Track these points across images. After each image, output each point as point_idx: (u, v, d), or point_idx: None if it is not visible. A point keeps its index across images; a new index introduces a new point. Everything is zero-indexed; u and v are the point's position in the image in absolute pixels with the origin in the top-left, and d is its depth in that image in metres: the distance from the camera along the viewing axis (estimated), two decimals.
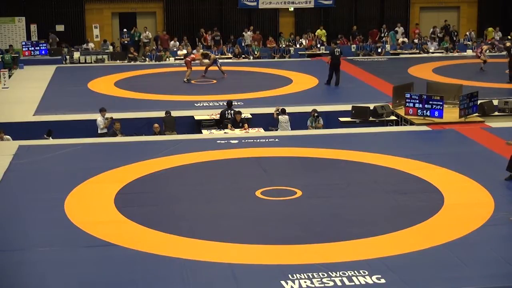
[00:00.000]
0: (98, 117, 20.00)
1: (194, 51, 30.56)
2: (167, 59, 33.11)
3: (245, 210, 13.61)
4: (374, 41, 36.17)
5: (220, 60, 29.64)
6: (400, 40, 36.30)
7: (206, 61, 28.35)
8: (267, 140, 18.55)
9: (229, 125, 20.09)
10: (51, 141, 18.98)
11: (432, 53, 35.00)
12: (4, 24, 35.65)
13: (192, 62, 27.77)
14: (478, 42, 35.72)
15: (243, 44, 35.29)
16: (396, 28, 37.07)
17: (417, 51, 35.32)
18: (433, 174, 15.41)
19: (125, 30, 35.87)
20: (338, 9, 38.40)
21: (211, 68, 28.35)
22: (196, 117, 21.53)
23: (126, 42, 35.26)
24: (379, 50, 34.88)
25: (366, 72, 29.38)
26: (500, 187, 14.56)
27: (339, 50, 26.92)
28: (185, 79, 27.25)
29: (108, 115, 20.12)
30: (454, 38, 36.84)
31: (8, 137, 19.15)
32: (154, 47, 34.37)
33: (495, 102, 21.96)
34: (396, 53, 35.19)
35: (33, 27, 35.60)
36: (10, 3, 35.61)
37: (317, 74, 28.06)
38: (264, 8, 37.77)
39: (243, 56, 34.17)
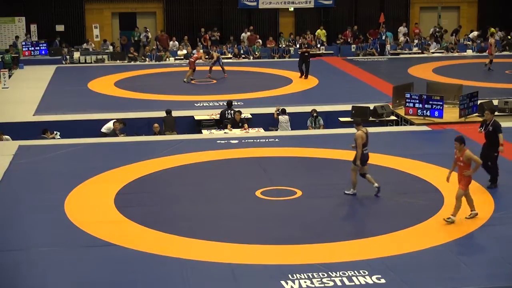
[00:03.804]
0: (110, 124, 19.73)
1: (194, 51, 30.56)
2: (167, 59, 33.12)
3: (245, 210, 13.61)
4: (374, 37, 36.10)
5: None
6: (402, 38, 36.30)
7: (208, 57, 28.40)
8: (267, 140, 18.56)
9: (228, 125, 20.09)
10: (51, 141, 18.97)
11: (433, 53, 34.99)
12: (4, 24, 35.65)
13: (196, 62, 27.75)
14: (478, 42, 35.71)
15: (241, 45, 35.33)
16: (400, 27, 37.05)
17: (419, 51, 35.29)
18: (433, 174, 15.41)
19: (147, 29, 35.85)
20: (338, 9, 38.40)
21: (214, 68, 28.35)
22: (196, 117, 21.54)
23: (144, 41, 35.19)
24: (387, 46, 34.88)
25: (366, 72, 29.38)
26: (500, 187, 14.56)
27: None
28: (185, 79, 27.24)
29: (110, 116, 20.05)
30: (458, 38, 36.96)
31: (8, 137, 19.16)
32: (154, 47, 34.37)
33: (495, 102, 21.96)
34: (396, 53, 35.18)
35: (33, 27, 35.58)
36: (10, 3, 35.60)
37: (317, 74, 28.07)
38: (264, 8, 37.78)
39: (243, 56, 34.19)
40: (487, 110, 15.08)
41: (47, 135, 19.27)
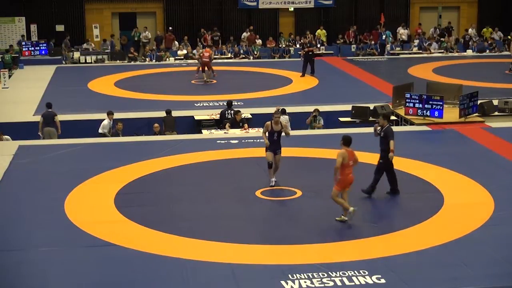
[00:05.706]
0: (105, 119, 19.85)
1: (194, 51, 30.52)
2: (167, 59, 33.13)
3: (245, 210, 13.61)
4: (375, 41, 36.14)
5: (219, 60, 29.60)
6: (405, 33, 36.30)
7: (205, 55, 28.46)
8: None
9: (226, 125, 20.06)
10: (51, 141, 18.99)
11: (433, 53, 34.99)
12: (4, 24, 35.65)
13: (204, 59, 27.57)
14: (480, 41, 35.72)
15: (241, 44, 35.33)
16: (399, 28, 37.05)
17: (419, 51, 35.27)
18: (433, 174, 15.41)
19: (170, 28, 35.89)
20: (338, 9, 38.43)
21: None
22: (196, 117, 21.55)
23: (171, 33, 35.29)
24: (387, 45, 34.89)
25: (366, 72, 29.38)
26: (500, 187, 14.56)
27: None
28: (206, 79, 27.11)
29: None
30: (459, 38, 36.92)
31: (8, 137, 19.16)
32: (154, 47, 34.36)
33: (495, 102, 21.96)
34: (396, 53, 35.17)
35: (33, 27, 35.58)
36: (10, 3, 35.61)
37: (317, 74, 28.06)
38: (264, 8, 37.79)
39: (242, 56, 34.20)
40: (381, 116, 15.10)
41: (56, 118, 19.56)
